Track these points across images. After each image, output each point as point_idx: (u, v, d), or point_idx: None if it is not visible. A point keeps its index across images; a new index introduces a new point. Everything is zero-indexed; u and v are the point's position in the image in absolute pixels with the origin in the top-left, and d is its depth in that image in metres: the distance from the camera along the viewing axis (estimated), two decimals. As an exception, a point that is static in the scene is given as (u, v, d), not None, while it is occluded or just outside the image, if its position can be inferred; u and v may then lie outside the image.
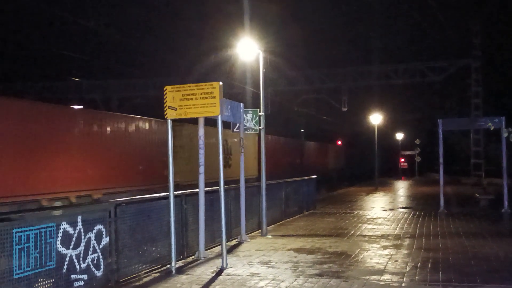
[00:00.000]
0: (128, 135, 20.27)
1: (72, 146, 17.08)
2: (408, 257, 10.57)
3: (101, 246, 8.36)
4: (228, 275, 9.21)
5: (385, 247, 11.79)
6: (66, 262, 7.58)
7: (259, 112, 13.98)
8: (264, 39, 16.73)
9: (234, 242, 12.70)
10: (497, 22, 39.90)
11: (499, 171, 20.29)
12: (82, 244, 7.93)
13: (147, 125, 21.70)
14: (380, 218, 17.70)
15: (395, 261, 10.22)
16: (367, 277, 8.86)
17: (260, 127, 13.99)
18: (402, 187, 37.86)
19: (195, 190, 11.23)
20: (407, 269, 9.44)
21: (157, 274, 9.42)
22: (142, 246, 9.50)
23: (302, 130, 61.29)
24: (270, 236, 13.73)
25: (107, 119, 19.41)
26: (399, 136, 59.59)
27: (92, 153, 18.08)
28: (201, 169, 11.02)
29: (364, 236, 13.63)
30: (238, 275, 9.19)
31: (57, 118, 16.95)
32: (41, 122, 16.11)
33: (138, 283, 8.77)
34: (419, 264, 9.87)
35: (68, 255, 7.63)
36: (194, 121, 11.27)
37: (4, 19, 37.15)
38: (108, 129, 19.11)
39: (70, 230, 7.68)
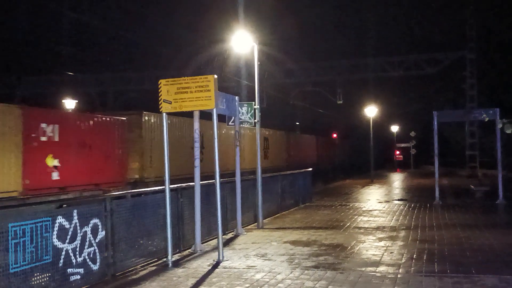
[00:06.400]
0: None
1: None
2: (403, 249, 10.61)
3: (97, 240, 8.36)
4: (225, 268, 9.23)
5: (380, 239, 11.83)
6: (62, 256, 7.58)
7: (254, 105, 13.98)
8: (259, 32, 16.70)
9: (230, 235, 12.72)
10: (492, 13, 39.89)
11: (494, 163, 20.36)
12: (78, 238, 7.92)
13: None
14: (375, 210, 17.75)
15: (391, 252, 10.25)
16: (363, 269, 8.89)
17: (256, 120, 13.98)
18: (397, 180, 37.96)
19: (191, 183, 11.23)
20: (403, 261, 9.48)
21: (154, 268, 9.43)
22: (138, 239, 9.51)
23: (297, 123, 61.37)
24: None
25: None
26: (394, 128, 59.70)
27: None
28: (197, 162, 11.01)
29: (360, 228, 13.66)
30: (235, 268, 9.21)
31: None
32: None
33: (134, 277, 8.78)
34: (415, 255, 9.92)
35: (64, 249, 7.63)
36: (187, 114, 11.26)
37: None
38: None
39: (66, 224, 7.68)
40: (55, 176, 16.00)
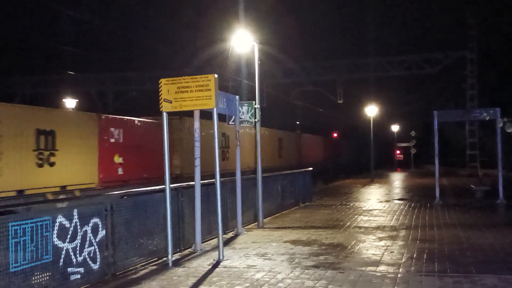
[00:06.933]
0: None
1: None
2: (404, 248, 10.61)
3: (97, 239, 8.36)
4: (225, 267, 9.23)
5: (381, 239, 11.83)
6: (63, 256, 7.58)
7: (255, 104, 13.98)
8: (259, 31, 16.69)
9: (230, 234, 12.72)
10: (492, 13, 39.92)
11: (495, 162, 20.35)
12: (79, 237, 7.93)
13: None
14: (376, 209, 17.75)
15: (391, 252, 10.25)
16: (363, 268, 8.89)
17: (256, 120, 13.98)
18: (397, 179, 37.95)
19: (191, 183, 11.23)
20: (403, 260, 9.48)
21: (154, 267, 9.44)
22: (138, 239, 9.51)
23: (298, 122, 61.39)
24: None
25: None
26: (395, 128, 59.65)
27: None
28: (197, 162, 11.01)
29: (360, 227, 13.66)
30: (235, 267, 9.21)
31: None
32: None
33: (134, 276, 8.78)
34: (415, 255, 9.92)
35: (65, 248, 7.64)
36: (191, 114, 11.25)
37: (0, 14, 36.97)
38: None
39: (66, 223, 7.68)
40: (120, 171, 19.59)
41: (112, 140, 19.33)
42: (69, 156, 17.30)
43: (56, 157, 16.84)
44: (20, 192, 15.66)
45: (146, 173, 20.77)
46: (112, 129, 19.37)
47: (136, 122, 21.22)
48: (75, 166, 17.63)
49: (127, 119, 20.97)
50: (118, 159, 19.46)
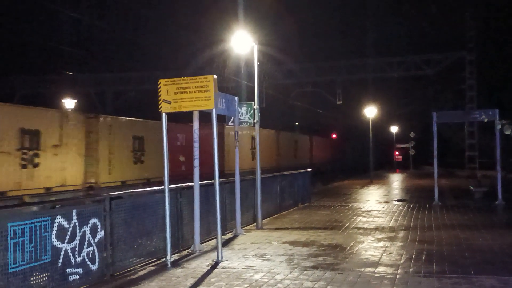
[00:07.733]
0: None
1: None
2: (402, 249, 10.62)
3: (96, 240, 8.36)
4: (224, 268, 9.24)
5: (379, 240, 11.84)
6: (61, 256, 7.58)
7: (254, 105, 13.98)
8: (259, 32, 16.70)
9: (229, 235, 12.72)
10: (491, 14, 39.97)
11: (493, 164, 20.36)
12: (77, 238, 7.93)
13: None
14: (374, 210, 17.76)
15: (390, 253, 10.26)
16: (362, 269, 8.90)
17: (255, 121, 13.98)
18: (396, 180, 37.95)
19: (190, 183, 11.24)
20: (402, 261, 9.49)
21: (153, 268, 9.44)
22: (137, 239, 9.51)
23: (297, 123, 61.42)
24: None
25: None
26: (394, 129, 59.62)
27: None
28: (196, 163, 11.03)
29: (359, 228, 13.67)
30: (234, 268, 9.22)
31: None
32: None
33: (133, 277, 8.79)
34: (414, 256, 9.92)
35: (63, 249, 7.63)
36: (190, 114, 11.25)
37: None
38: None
39: (65, 224, 7.68)
40: (183, 168, 23.43)
41: (178, 143, 23.68)
42: (151, 156, 22.00)
43: (144, 156, 22.00)
44: (123, 183, 20.13)
45: (202, 169, 23.17)
46: (178, 134, 23.74)
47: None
48: (155, 163, 21.76)
49: (187, 125, 24.35)
50: (182, 158, 23.65)
